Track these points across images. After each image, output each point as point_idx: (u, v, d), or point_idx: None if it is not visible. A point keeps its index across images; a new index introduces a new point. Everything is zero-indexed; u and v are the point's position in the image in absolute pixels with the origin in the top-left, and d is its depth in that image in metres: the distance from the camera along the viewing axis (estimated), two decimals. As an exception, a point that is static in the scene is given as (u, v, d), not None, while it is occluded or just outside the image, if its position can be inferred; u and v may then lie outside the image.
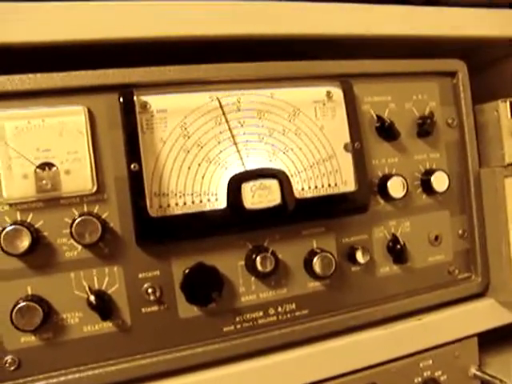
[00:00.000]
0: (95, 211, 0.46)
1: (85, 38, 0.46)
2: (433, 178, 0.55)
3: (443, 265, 0.59)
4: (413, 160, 0.57)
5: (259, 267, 0.49)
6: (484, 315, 0.59)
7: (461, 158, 0.59)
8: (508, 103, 0.56)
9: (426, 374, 0.56)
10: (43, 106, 0.44)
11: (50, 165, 0.45)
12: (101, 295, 0.46)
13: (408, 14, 0.57)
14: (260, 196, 0.49)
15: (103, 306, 0.45)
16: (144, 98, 0.47)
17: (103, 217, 0.46)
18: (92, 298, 0.45)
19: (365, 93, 0.55)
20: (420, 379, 0.56)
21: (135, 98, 0.46)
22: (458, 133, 0.59)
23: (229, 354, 0.49)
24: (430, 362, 0.56)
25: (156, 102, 0.48)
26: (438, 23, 0.57)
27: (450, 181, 0.56)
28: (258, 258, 0.49)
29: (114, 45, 0.47)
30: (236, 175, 0.49)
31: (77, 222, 0.44)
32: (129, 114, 0.46)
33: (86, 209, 0.46)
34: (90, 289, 0.46)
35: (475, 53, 0.61)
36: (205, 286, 0.48)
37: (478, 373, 0.58)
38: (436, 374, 0.57)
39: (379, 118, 0.55)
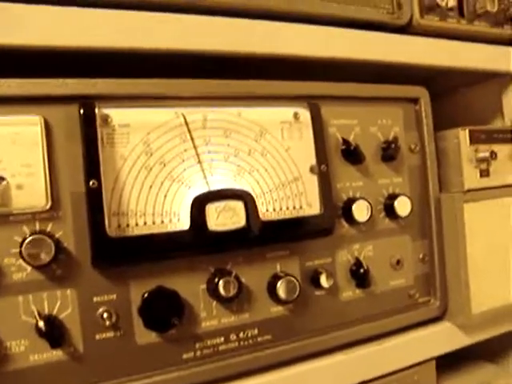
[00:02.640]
0: (48, 229, 0.43)
1: (44, 44, 0.43)
2: (396, 203, 0.56)
3: (404, 289, 0.59)
4: (377, 184, 0.57)
5: (222, 291, 0.47)
6: (442, 339, 0.60)
7: (422, 183, 0.60)
8: (467, 131, 0.58)
9: (387, 398, 0.56)
10: (-5, 115, 0.41)
11: (-1, 178, 0.41)
12: (51, 320, 0.42)
13: (374, 39, 0.58)
14: (224, 218, 0.47)
15: (53, 332, 0.42)
16: (106, 111, 0.45)
17: (57, 236, 0.43)
18: (41, 323, 0.41)
19: (331, 115, 0.55)
20: (381, 404, 0.56)
21: (96, 110, 0.44)
22: (419, 158, 0.60)
23: (188, 382, 0.47)
24: (391, 386, 0.56)
25: (118, 115, 0.45)
26: (403, 51, 0.58)
27: (413, 205, 0.57)
28: (221, 282, 0.47)
29: (76, 53, 0.44)
30: (200, 195, 0.47)
31: (27, 240, 0.41)
32: (89, 126, 0.43)
33: (38, 227, 0.42)
34: (39, 314, 0.42)
35: (435, 80, 0.62)
36: (164, 311, 0.45)
37: (436, 397, 0.58)
38: (396, 398, 0.56)
39: (345, 141, 0.55)
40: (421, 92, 0.59)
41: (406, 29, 0.59)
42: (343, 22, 0.56)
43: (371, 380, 0.55)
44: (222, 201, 0.47)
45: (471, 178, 0.58)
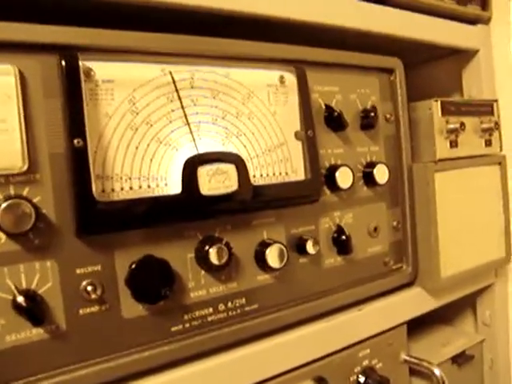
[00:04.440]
0: (25, 194, 0.38)
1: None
2: (375, 171, 0.56)
3: (380, 256, 0.60)
4: (356, 152, 0.57)
5: (214, 260, 0.45)
6: (413, 303, 0.62)
7: (396, 153, 0.61)
8: (439, 102, 0.60)
9: (365, 363, 0.57)
10: (-40, 62, 0.36)
11: (-33, 135, 0.36)
12: (30, 295, 0.38)
13: (357, 9, 0.57)
14: (217, 181, 0.45)
15: (33, 308, 0.37)
16: (88, 64, 0.40)
17: (34, 201, 0.38)
18: (20, 298, 0.37)
19: (315, 81, 0.54)
20: (359, 368, 0.57)
21: (80, 62, 0.39)
22: (394, 128, 0.61)
23: (178, 355, 0.44)
24: (368, 351, 0.57)
25: (102, 69, 0.41)
26: (380, 21, 0.59)
27: (390, 174, 0.58)
28: (213, 250, 0.45)
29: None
30: (192, 158, 0.44)
31: (2, 206, 0.36)
32: (72, 80, 0.39)
33: (13, 191, 0.38)
34: (16, 288, 0.38)
35: (404, 54, 0.63)
36: (154, 282, 0.42)
37: (408, 358, 0.61)
38: (373, 362, 0.58)
39: (328, 107, 0.54)
40: (396, 63, 0.60)
41: (385, 0, 0.59)
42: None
43: (351, 345, 0.56)
44: (214, 164, 0.45)
45: (442, 148, 0.60)
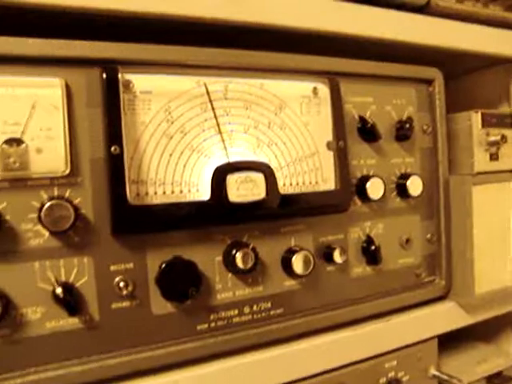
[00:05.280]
0: (67, 195, 0.42)
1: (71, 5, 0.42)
2: (408, 183, 0.56)
3: (411, 268, 0.60)
4: (389, 163, 0.57)
5: (240, 264, 0.47)
6: (445, 318, 0.61)
7: (432, 164, 0.61)
8: (480, 114, 0.58)
9: (391, 374, 0.57)
10: (14, 75, 0.40)
11: (18, 141, 0.40)
12: (68, 288, 0.41)
13: (392, 18, 0.57)
14: (245, 189, 0.47)
15: (70, 299, 0.41)
16: (128, 77, 0.44)
17: (75, 202, 0.42)
18: (59, 290, 0.41)
19: (348, 92, 0.54)
20: (385, 379, 0.57)
21: (119, 75, 0.43)
22: (431, 139, 0.60)
23: (202, 353, 0.47)
24: (395, 362, 0.57)
25: (140, 81, 0.44)
26: (420, 31, 0.58)
27: (424, 186, 0.57)
28: (239, 254, 0.47)
29: (100, 16, 0.43)
30: (222, 166, 0.46)
31: (46, 206, 0.40)
32: (112, 92, 0.42)
33: (56, 192, 0.41)
34: (56, 280, 0.41)
35: (451, 63, 0.62)
36: (182, 282, 0.45)
37: (437, 373, 0.60)
38: (399, 374, 0.57)
39: (362, 118, 0.55)
40: (435, 73, 0.60)
41: (424, 9, 0.59)
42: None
43: (377, 356, 0.56)
44: (243, 172, 0.47)
45: (481, 160, 0.59)
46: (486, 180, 0.59)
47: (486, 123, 0.59)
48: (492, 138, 0.59)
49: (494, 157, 0.60)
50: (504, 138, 0.59)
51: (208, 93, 0.47)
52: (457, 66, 0.70)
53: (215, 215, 0.46)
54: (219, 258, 0.48)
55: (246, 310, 0.50)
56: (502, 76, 0.70)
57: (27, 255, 0.41)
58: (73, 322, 0.42)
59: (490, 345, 0.73)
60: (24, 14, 0.42)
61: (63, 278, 0.42)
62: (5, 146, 0.39)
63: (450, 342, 0.71)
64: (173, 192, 0.46)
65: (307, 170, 0.52)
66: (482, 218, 0.59)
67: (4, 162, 0.39)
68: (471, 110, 0.58)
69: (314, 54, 0.53)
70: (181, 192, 0.46)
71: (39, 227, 0.41)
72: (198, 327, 0.48)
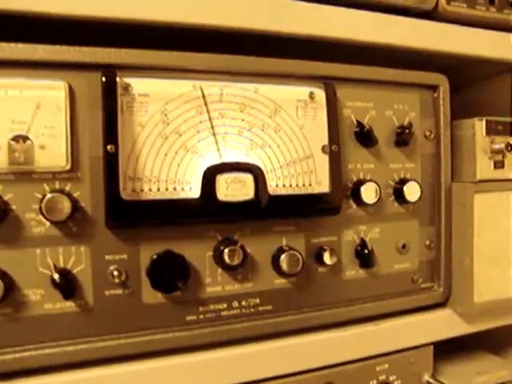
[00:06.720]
0: (67, 189, 0.46)
1: (76, 14, 0.45)
2: (405, 188, 0.56)
3: (408, 273, 0.60)
4: (388, 168, 0.58)
5: (227, 259, 0.49)
6: (442, 325, 0.60)
7: (434, 171, 0.60)
8: (484, 122, 0.58)
9: (382, 377, 0.57)
10: (22, 78, 0.44)
11: (24, 138, 0.44)
12: (65, 274, 0.45)
13: (397, 24, 0.58)
14: (234, 189, 0.49)
15: (66, 284, 0.45)
16: (127, 80, 0.47)
17: (75, 195, 0.46)
18: (56, 275, 0.45)
19: (347, 97, 0.55)
20: (375, 382, 0.57)
21: (118, 78, 0.46)
22: (434, 145, 0.60)
23: (189, 342, 0.50)
24: (386, 366, 0.58)
25: (139, 85, 0.47)
26: (426, 37, 0.58)
27: (422, 192, 0.57)
28: (226, 250, 0.49)
29: (102, 23, 0.46)
30: (212, 166, 0.49)
31: (47, 197, 0.44)
32: (110, 94, 0.46)
33: (57, 186, 0.45)
34: (54, 266, 0.45)
35: (460, 69, 0.62)
36: (171, 274, 0.48)
37: (431, 380, 0.60)
38: (391, 378, 0.58)
39: (359, 123, 0.55)
40: (440, 80, 0.59)
41: (431, 14, 0.59)
42: (367, 5, 0.56)
43: (368, 358, 0.57)
44: (232, 173, 0.49)
45: (484, 168, 0.58)
46: (489, 188, 0.58)
47: (490, 131, 0.58)
48: (497, 146, 0.58)
49: (498, 165, 0.59)
50: (509, 146, 0.57)
51: (204, 96, 0.49)
52: (466, 73, 0.69)
53: (204, 212, 0.49)
54: (210, 253, 0.51)
55: (235, 304, 0.52)
56: (508, 84, 0.69)
57: (30, 242, 0.45)
58: (69, 305, 0.46)
59: (496, 356, 0.72)
60: (28, 22, 0.45)
61: (61, 265, 0.46)
62: (12, 142, 0.44)
63: (456, 351, 0.71)
64: (167, 189, 0.48)
65: (301, 172, 0.53)
66: (484, 227, 0.59)
67: (11, 157, 0.44)
68: (475, 118, 0.58)
69: (318, 58, 0.54)
70: (174, 189, 0.49)
71: (41, 217, 0.45)
72: (188, 318, 0.50)
